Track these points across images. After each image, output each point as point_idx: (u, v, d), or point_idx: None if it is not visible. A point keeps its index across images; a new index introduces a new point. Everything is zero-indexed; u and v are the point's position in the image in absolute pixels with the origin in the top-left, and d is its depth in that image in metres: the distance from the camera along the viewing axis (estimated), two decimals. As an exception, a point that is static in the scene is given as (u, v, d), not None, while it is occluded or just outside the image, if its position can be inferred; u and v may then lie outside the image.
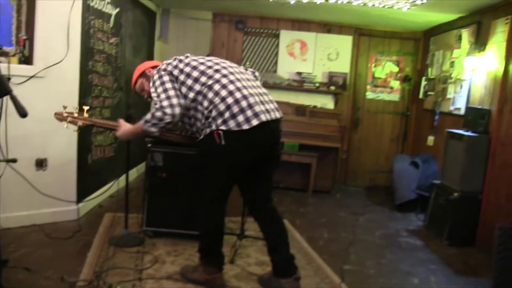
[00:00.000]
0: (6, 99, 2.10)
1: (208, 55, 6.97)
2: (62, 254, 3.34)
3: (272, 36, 6.64)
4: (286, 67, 6.64)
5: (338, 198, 6.03)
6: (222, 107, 2.64)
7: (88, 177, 4.34)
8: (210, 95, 2.68)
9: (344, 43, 6.66)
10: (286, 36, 6.63)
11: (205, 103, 2.69)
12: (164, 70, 2.82)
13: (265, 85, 6.20)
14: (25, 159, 3.60)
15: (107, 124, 3.26)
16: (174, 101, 2.68)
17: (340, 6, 5.28)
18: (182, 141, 3.29)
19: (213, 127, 2.64)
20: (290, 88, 6.52)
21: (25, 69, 3.64)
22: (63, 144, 3.94)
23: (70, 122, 3.10)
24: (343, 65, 6.66)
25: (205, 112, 2.69)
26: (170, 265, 3.25)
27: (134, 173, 5.77)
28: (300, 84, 6.56)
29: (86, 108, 3.17)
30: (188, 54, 2.97)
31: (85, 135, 4.21)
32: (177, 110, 2.68)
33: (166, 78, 2.77)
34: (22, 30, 3.87)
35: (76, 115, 3.11)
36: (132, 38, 5.45)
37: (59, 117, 3.12)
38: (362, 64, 6.77)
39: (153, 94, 2.76)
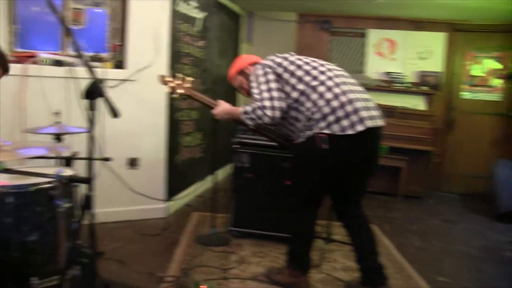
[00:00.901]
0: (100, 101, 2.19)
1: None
2: (151, 250, 3.45)
3: (359, 35, 6.46)
4: (374, 67, 6.43)
5: (431, 204, 5.72)
6: (326, 110, 2.52)
7: (177, 176, 4.47)
8: (314, 96, 2.57)
9: (436, 41, 6.31)
10: (374, 35, 6.43)
11: (308, 104, 2.58)
12: (270, 67, 2.72)
13: (352, 85, 6.09)
14: (118, 158, 3.77)
15: (205, 99, 3.21)
16: (277, 103, 2.60)
17: (432, 1, 5.02)
18: (276, 141, 3.19)
19: (316, 129, 2.54)
20: (378, 89, 6.28)
21: (118, 73, 3.82)
22: (152, 145, 4.10)
23: (171, 87, 3.15)
24: (435, 64, 6.32)
25: (308, 113, 2.59)
26: (256, 266, 3.23)
27: (221, 173, 5.86)
28: (389, 84, 6.31)
29: (189, 79, 3.20)
30: (293, 53, 2.86)
31: (173, 136, 4.34)
32: (278, 114, 2.61)
33: (271, 76, 2.68)
34: (116, 36, 4.08)
35: (179, 82, 3.15)
36: (218, 41, 5.56)
37: (163, 79, 3.18)
38: (457, 62, 6.36)
39: (255, 90, 2.67)
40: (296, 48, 6.66)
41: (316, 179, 2.69)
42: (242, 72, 3.05)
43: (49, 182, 2.11)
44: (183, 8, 4.38)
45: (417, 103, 6.32)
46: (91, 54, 3.97)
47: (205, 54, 5.05)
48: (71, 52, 3.94)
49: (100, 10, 4.11)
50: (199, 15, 4.81)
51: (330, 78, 2.63)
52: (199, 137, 4.97)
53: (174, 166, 4.42)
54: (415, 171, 5.73)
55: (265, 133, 3.19)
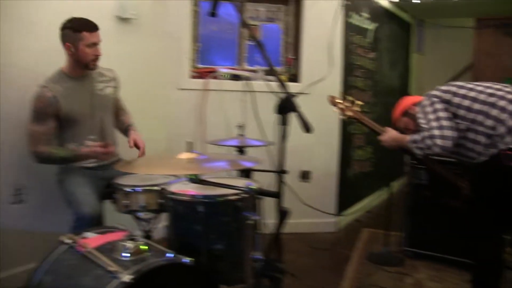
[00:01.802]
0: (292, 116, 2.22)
1: (470, 66, 6.50)
2: (322, 265, 3.42)
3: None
4: None
5: None
6: (510, 122, 2.31)
7: (347, 191, 4.39)
8: (494, 112, 2.38)
9: None
10: None
11: (488, 122, 2.39)
12: (436, 96, 2.61)
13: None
14: (291, 171, 3.81)
15: (373, 125, 3.13)
16: (447, 132, 2.44)
17: None
18: (445, 176, 3.03)
19: (500, 146, 2.33)
20: None
21: (292, 86, 3.87)
22: (325, 158, 4.09)
23: (340, 109, 3.13)
24: None
25: (489, 131, 2.39)
26: (434, 291, 3.00)
27: (391, 189, 5.63)
28: None
29: (359, 102, 3.16)
30: (461, 83, 2.70)
31: (345, 149, 4.28)
32: (449, 144, 2.44)
33: (439, 106, 2.55)
34: (289, 50, 4.18)
35: (348, 105, 3.12)
36: (388, 52, 5.38)
37: (332, 100, 3.17)
38: None
39: (422, 121, 2.57)
40: (474, 56, 6.15)
41: (504, 200, 2.42)
42: (406, 113, 2.96)
43: (236, 194, 2.18)
44: (355, 19, 4.32)
45: None
46: (266, 68, 4.10)
47: (376, 65, 4.92)
48: (248, 67, 4.13)
49: (274, 25, 4.25)
50: (370, 26, 4.70)
51: (509, 92, 2.44)
52: (369, 151, 4.84)
53: (345, 180, 4.35)
54: None
55: (432, 166, 3.07)
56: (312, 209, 3.95)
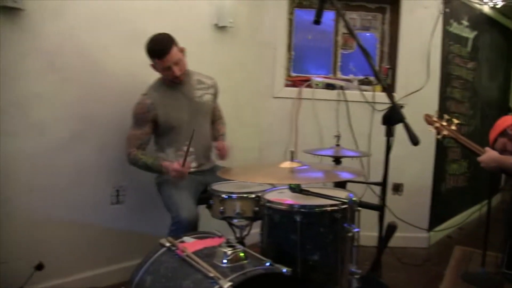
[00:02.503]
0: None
1: None
2: (413, 281, 3.33)
3: None
4: None
5: None
6: None
7: (440, 205, 4.23)
8: None
9: None
10: None
11: None
12: None
13: None
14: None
15: (470, 144, 3.03)
16: None
17: None
18: None
19: None
20: None
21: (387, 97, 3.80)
22: (418, 170, 3.98)
23: (436, 128, 3.07)
24: None
25: None
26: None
27: (480, 206, 5.36)
28: None
29: (456, 121, 3.08)
30: None
31: (440, 163, 4.14)
32: None
33: None
34: (384, 60, 4.11)
35: (444, 124, 3.06)
36: (488, 62, 5.12)
37: (428, 119, 3.13)
38: None
39: None
40: None
41: None
42: (505, 134, 2.91)
43: (334, 205, 2.18)
44: (455, 28, 4.16)
45: None
46: (360, 77, 4.06)
47: (474, 76, 4.71)
48: (342, 76, 4.12)
49: (369, 34, 4.20)
50: (470, 34, 4.50)
51: None
52: (465, 165, 4.64)
53: (439, 194, 4.20)
54: None
55: None
56: (404, 223, 3.85)
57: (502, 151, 2.89)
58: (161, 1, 3.10)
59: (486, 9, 4.80)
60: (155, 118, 2.72)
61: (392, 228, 1.76)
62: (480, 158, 2.86)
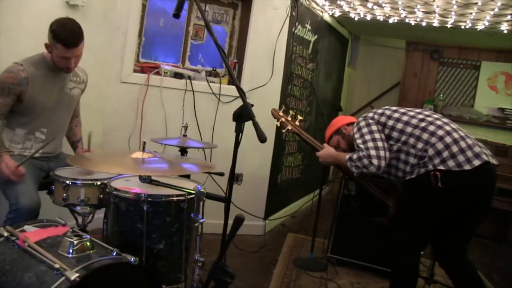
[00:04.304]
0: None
1: (397, 84, 6.90)
2: (250, 267, 3.52)
3: (472, 67, 6.17)
4: (485, 102, 6.08)
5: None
6: (440, 146, 2.52)
7: (276, 196, 4.51)
8: (425, 135, 2.59)
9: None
10: (488, 68, 6.09)
11: (419, 145, 2.59)
12: (372, 118, 2.81)
13: (460, 120, 5.84)
14: (225, 172, 3.88)
15: (311, 140, 3.24)
16: (382, 153, 2.65)
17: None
18: (376, 195, 3.22)
19: (430, 167, 2.52)
20: (488, 125, 5.94)
21: (232, 90, 3.94)
22: (258, 162, 4.18)
23: (281, 122, 3.22)
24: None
25: (419, 153, 2.59)
26: (354, 297, 3.19)
27: (311, 196, 5.85)
28: (502, 121, 5.93)
29: (300, 117, 3.26)
30: (395, 108, 2.91)
31: (278, 155, 4.40)
32: (383, 163, 2.65)
33: (374, 127, 2.75)
34: (232, 54, 4.23)
35: (289, 119, 3.22)
36: (325, 64, 5.58)
37: (275, 113, 3.26)
38: None
39: (358, 141, 2.74)
40: (402, 75, 6.54)
41: (426, 217, 2.63)
42: (339, 132, 3.15)
43: (181, 195, 2.21)
44: (299, 30, 4.45)
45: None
46: (208, 69, 4.13)
47: (313, 76, 5.10)
48: (191, 66, 4.15)
49: (220, 28, 4.29)
50: (311, 38, 4.86)
51: (437, 119, 2.69)
52: (299, 158, 5.01)
53: (275, 185, 4.47)
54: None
55: (366, 184, 3.24)
56: (242, 211, 4.03)
57: (336, 147, 3.14)
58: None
59: (326, 16, 5.22)
60: (21, 93, 2.50)
61: (239, 221, 1.84)
62: (318, 154, 3.10)
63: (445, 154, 2.49)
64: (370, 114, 2.86)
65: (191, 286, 2.15)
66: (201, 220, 2.06)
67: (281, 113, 3.24)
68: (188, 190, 2.07)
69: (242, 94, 1.99)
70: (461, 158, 2.46)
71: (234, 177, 2.16)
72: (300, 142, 4.95)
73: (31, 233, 1.92)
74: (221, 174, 3.07)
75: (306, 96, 4.96)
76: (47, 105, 2.63)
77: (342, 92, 6.70)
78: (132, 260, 1.85)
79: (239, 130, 2.03)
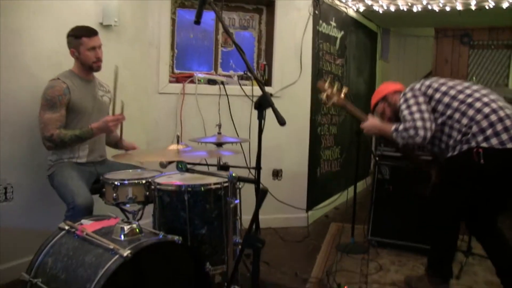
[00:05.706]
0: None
1: (430, 73, 6.91)
2: (294, 255, 3.69)
3: (503, 47, 6.15)
4: (520, 80, 6.06)
5: None
6: (484, 123, 2.53)
7: (316, 188, 4.69)
8: (471, 112, 2.59)
9: None
10: (521, 46, 6.05)
11: (464, 121, 2.60)
12: (419, 89, 2.80)
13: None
14: (265, 169, 4.07)
15: (356, 111, 3.16)
16: (428, 124, 2.65)
17: None
18: (420, 164, 3.24)
19: (472, 143, 2.54)
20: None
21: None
22: (296, 158, 4.39)
23: (326, 95, 3.11)
24: None
25: (463, 129, 2.60)
26: (394, 273, 3.29)
27: (358, 186, 5.93)
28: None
29: (345, 90, 3.17)
30: (443, 80, 2.87)
31: (315, 150, 4.57)
32: (429, 134, 2.66)
33: (421, 99, 2.75)
34: (262, 56, 4.46)
35: (335, 91, 3.13)
36: (355, 59, 5.70)
37: (321, 86, 3.18)
38: None
39: (405, 112, 2.74)
40: (433, 63, 6.56)
41: (468, 193, 2.68)
42: (384, 99, 3.11)
43: (218, 183, 2.44)
44: (324, 28, 4.63)
45: None
46: (240, 73, 4.37)
47: (343, 71, 5.24)
48: (223, 72, 4.40)
49: (247, 33, 4.53)
50: (338, 34, 5.01)
51: (484, 95, 2.65)
52: (337, 151, 5.15)
53: (315, 178, 4.64)
54: None
55: (409, 154, 3.27)
56: (284, 205, 4.23)
57: (381, 114, 3.13)
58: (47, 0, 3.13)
59: (351, 12, 5.36)
60: (68, 102, 2.83)
61: (264, 192, 2.00)
62: (363, 125, 3.06)
63: (489, 132, 2.50)
64: (417, 86, 2.84)
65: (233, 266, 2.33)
66: (235, 202, 2.25)
67: (326, 86, 3.15)
68: (221, 175, 2.28)
69: (260, 84, 2.17)
70: (504, 136, 2.47)
71: (260, 160, 2.31)
72: (337, 136, 5.09)
73: (88, 225, 2.19)
74: (259, 169, 3.25)
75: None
76: (88, 110, 2.94)
77: (376, 85, 6.77)
78: (176, 239, 2.08)
79: (261, 118, 2.20)
